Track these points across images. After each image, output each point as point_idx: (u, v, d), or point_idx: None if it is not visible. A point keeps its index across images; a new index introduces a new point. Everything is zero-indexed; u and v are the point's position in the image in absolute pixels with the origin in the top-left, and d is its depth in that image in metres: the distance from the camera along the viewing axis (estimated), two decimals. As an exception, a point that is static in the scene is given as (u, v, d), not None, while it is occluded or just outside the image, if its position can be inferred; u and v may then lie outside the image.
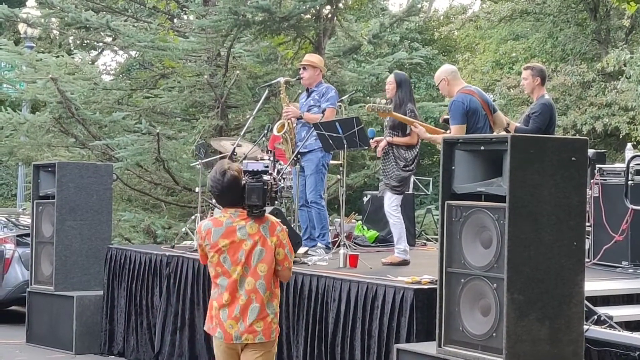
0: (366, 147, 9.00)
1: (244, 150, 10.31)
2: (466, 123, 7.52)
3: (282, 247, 5.22)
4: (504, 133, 7.74)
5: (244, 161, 5.92)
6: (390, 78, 8.57)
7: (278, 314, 5.29)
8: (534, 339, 5.37)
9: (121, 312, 9.69)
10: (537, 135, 7.56)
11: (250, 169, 5.21)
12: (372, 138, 8.54)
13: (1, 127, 13.57)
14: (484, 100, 7.73)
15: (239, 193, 5.15)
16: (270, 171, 5.94)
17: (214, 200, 6.77)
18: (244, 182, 5.18)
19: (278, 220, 5.35)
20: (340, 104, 10.33)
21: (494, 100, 8.21)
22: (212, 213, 8.02)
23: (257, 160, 6.05)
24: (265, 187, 5.16)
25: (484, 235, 5.53)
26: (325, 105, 9.37)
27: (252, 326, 5.12)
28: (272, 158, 9.82)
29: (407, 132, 8.25)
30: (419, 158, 8.45)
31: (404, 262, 8.22)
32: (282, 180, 9.58)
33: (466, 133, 7.44)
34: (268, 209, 5.59)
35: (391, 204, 8.26)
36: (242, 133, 10.69)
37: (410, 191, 11.95)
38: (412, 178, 11.62)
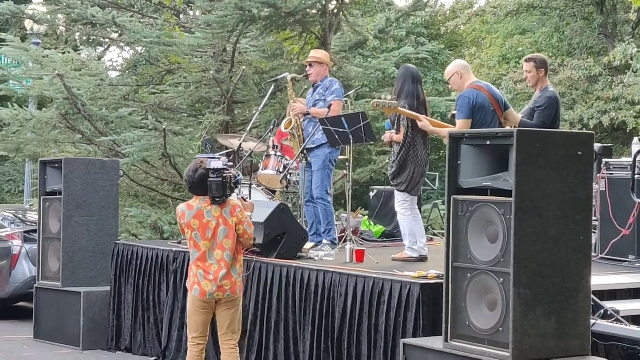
0: (372, 142, 8.98)
1: (250, 145, 10.32)
2: (472, 118, 7.51)
3: (241, 224, 6.71)
4: (509, 127, 7.71)
5: (208, 159, 6.50)
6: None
7: (241, 274, 6.82)
8: (541, 333, 5.37)
9: (128, 307, 9.71)
10: (543, 129, 7.55)
11: (212, 167, 6.57)
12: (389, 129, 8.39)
13: (8, 123, 13.59)
14: (493, 96, 7.70)
15: (206, 186, 6.59)
16: (228, 167, 6.72)
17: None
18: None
19: (237, 202, 6.79)
20: (346, 98, 10.33)
21: (502, 95, 8.15)
22: None
23: (219, 158, 6.84)
24: (225, 181, 6.55)
25: (490, 230, 5.53)
26: (331, 98, 9.36)
27: (221, 285, 6.63)
28: (278, 153, 9.84)
29: (396, 129, 8.10)
30: (413, 156, 8.22)
31: (413, 259, 8.06)
32: (289, 175, 9.61)
33: (472, 128, 7.43)
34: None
35: (396, 200, 8.23)
36: (248, 128, 10.70)
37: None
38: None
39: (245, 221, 6.74)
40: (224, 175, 6.57)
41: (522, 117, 8.25)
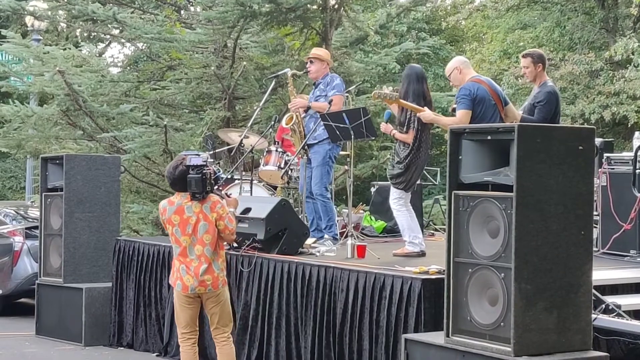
0: (373, 138, 8.95)
1: (252, 141, 10.32)
2: (473, 109, 7.50)
3: (222, 220, 6.79)
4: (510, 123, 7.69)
5: (188, 156, 6.65)
6: None
7: (224, 269, 6.91)
8: (542, 328, 5.37)
9: (130, 303, 9.71)
10: (544, 124, 7.53)
11: (192, 164, 6.68)
12: (387, 121, 8.25)
13: (9, 119, 13.60)
14: (493, 90, 7.70)
15: (186, 182, 6.70)
16: (209, 164, 6.81)
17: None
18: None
19: (219, 198, 6.86)
20: (347, 94, 10.31)
21: (502, 90, 8.13)
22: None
23: (199, 155, 6.89)
24: (204, 177, 6.66)
25: (492, 225, 5.53)
26: (332, 93, 9.36)
27: (203, 281, 6.75)
28: (279, 149, 9.84)
29: (405, 130, 8.03)
30: (417, 158, 8.15)
31: (413, 254, 8.02)
32: (291, 171, 9.61)
33: (473, 121, 7.43)
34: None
35: (391, 197, 8.20)
36: (249, 124, 10.70)
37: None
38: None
39: (227, 217, 6.84)
40: (204, 172, 6.69)
41: (522, 113, 8.23)
